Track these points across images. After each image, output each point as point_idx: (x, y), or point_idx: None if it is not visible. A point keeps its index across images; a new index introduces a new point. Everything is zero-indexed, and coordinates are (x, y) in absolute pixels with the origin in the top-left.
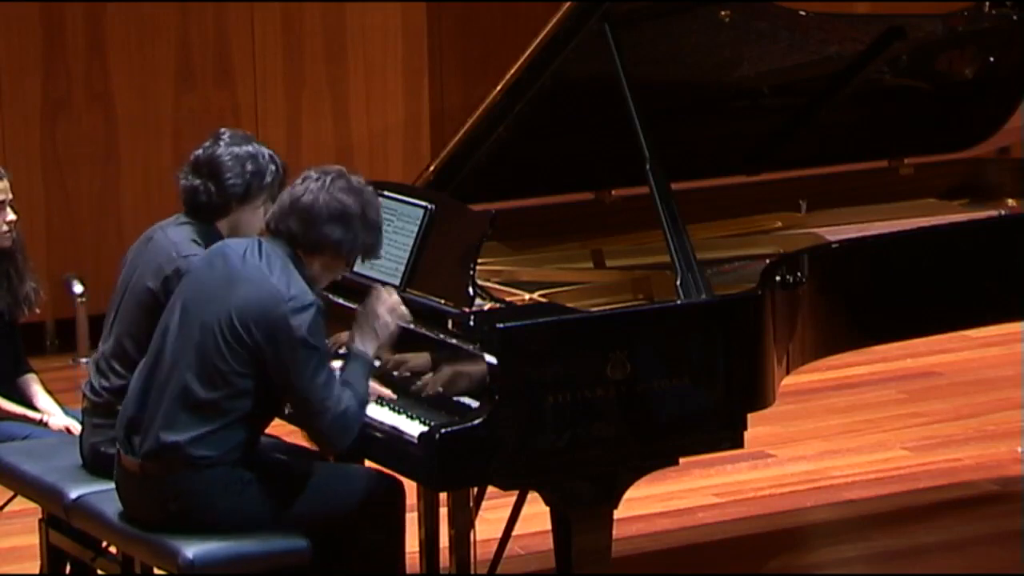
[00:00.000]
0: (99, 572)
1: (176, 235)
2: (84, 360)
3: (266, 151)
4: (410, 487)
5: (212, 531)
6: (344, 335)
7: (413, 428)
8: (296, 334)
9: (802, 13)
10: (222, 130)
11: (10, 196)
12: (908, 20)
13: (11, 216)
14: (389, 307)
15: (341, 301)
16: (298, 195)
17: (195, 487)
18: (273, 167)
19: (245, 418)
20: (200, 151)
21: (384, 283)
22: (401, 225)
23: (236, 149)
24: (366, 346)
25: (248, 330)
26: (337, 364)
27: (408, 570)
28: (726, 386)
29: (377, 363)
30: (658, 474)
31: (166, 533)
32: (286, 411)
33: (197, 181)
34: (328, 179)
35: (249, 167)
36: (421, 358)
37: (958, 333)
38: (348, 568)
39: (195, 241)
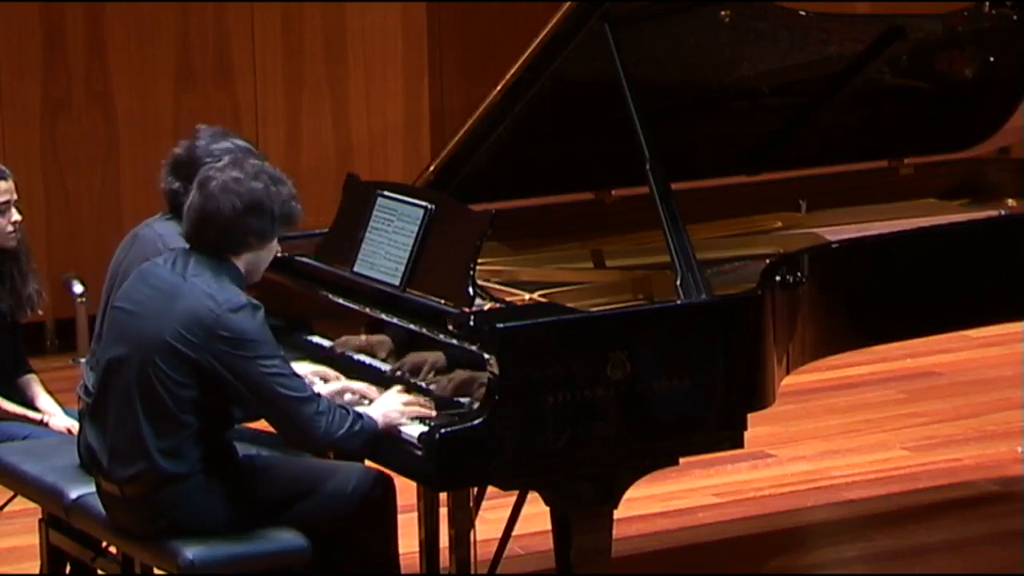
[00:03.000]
0: (99, 572)
1: (162, 228)
2: (84, 360)
3: (243, 144)
4: (410, 487)
5: (206, 535)
6: (351, 339)
7: (413, 428)
8: (235, 334)
9: (802, 13)
10: (198, 127)
11: (15, 196)
12: (908, 20)
13: (16, 216)
14: (402, 409)
15: (341, 301)
16: (202, 205)
17: (179, 501)
18: (252, 160)
19: (204, 427)
20: (179, 151)
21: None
22: (401, 225)
23: (213, 147)
24: (377, 413)
25: (187, 341)
26: (307, 367)
27: (408, 570)
28: (726, 386)
29: (386, 367)
30: (658, 474)
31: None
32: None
33: (177, 184)
34: (223, 177)
35: None
36: (432, 357)
37: (958, 333)
38: (344, 566)
39: (182, 235)
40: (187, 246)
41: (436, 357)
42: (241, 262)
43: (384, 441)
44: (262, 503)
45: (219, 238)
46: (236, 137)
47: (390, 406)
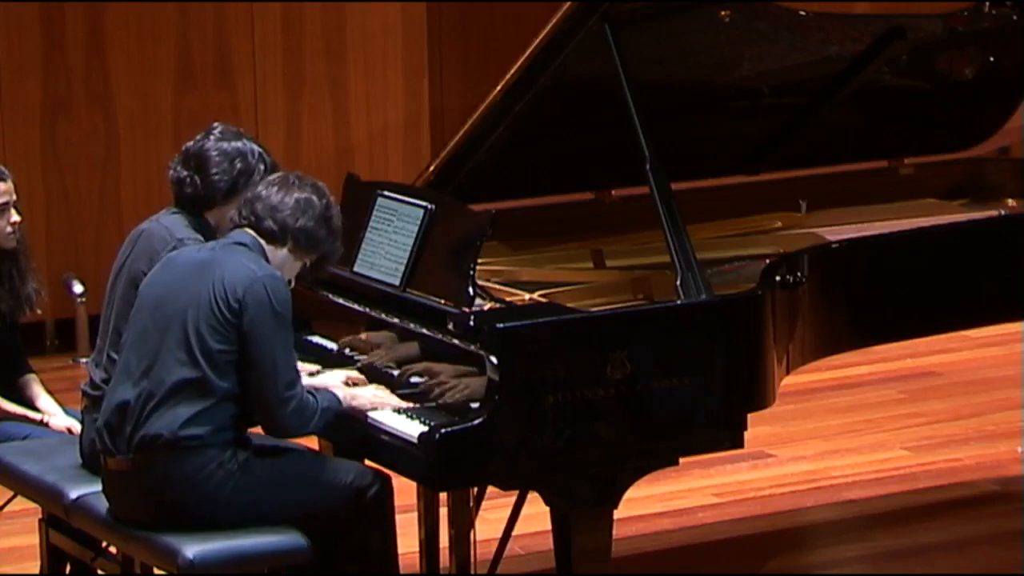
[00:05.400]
0: (99, 572)
1: (168, 221)
2: (84, 360)
3: (256, 148)
4: (410, 487)
5: (205, 521)
6: (350, 338)
7: (413, 428)
8: (274, 303)
9: (802, 13)
10: (215, 125)
11: (14, 197)
12: (908, 20)
13: (15, 217)
14: (371, 399)
15: (341, 301)
16: (261, 193)
17: (188, 471)
18: (262, 166)
19: (231, 395)
20: (191, 143)
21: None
22: (401, 225)
23: (225, 145)
24: (342, 395)
25: (229, 302)
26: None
27: (408, 570)
28: (726, 386)
29: (379, 362)
30: (658, 474)
31: (162, 529)
32: None
33: (184, 172)
34: (292, 179)
35: (238, 164)
36: (410, 350)
37: (958, 333)
38: (343, 565)
39: (188, 227)
40: (194, 237)
41: (453, 369)
42: (276, 256)
43: (384, 441)
44: (264, 486)
45: (274, 220)
46: (249, 139)
47: (362, 394)
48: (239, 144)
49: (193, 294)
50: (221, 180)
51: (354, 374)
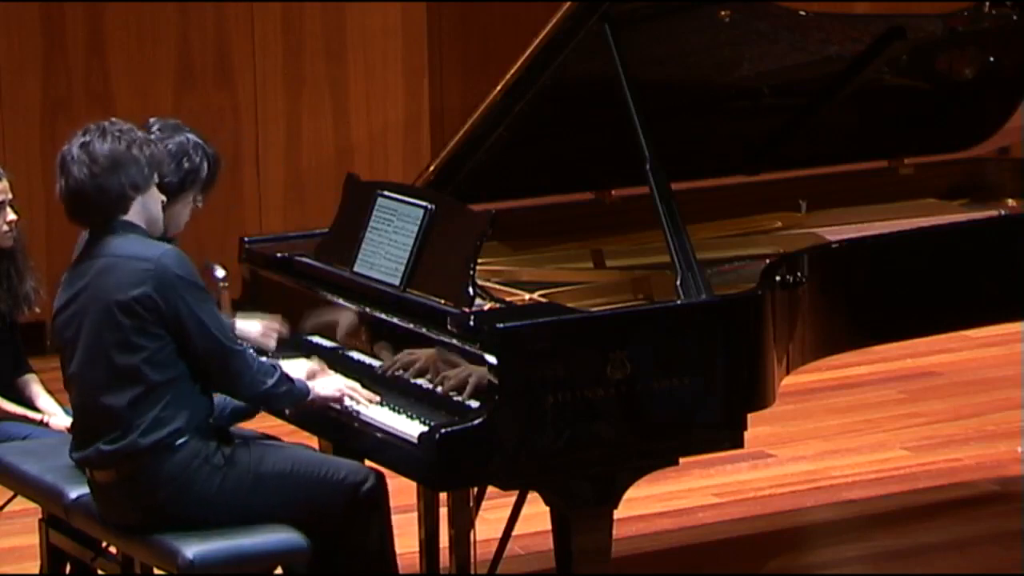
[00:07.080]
0: (99, 572)
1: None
2: None
3: (195, 141)
4: (410, 487)
5: (195, 521)
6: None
7: (413, 428)
8: (177, 277)
9: (802, 13)
10: (151, 121)
11: (10, 196)
12: (908, 20)
13: (11, 216)
14: (339, 392)
15: (341, 301)
16: (65, 185)
17: (174, 470)
18: (206, 163)
19: (183, 376)
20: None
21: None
22: (401, 225)
23: (168, 143)
24: (311, 384)
25: (141, 302)
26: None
27: (408, 570)
28: (726, 386)
29: (378, 364)
30: (658, 474)
31: (154, 532)
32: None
33: None
34: (77, 152)
35: (185, 164)
36: (423, 356)
37: (958, 333)
38: (340, 564)
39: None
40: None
41: (431, 354)
42: (134, 216)
43: (383, 441)
44: (252, 482)
45: (100, 206)
46: (190, 131)
47: (331, 383)
48: (181, 138)
49: (104, 313)
50: (169, 183)
51: (350, 382)
